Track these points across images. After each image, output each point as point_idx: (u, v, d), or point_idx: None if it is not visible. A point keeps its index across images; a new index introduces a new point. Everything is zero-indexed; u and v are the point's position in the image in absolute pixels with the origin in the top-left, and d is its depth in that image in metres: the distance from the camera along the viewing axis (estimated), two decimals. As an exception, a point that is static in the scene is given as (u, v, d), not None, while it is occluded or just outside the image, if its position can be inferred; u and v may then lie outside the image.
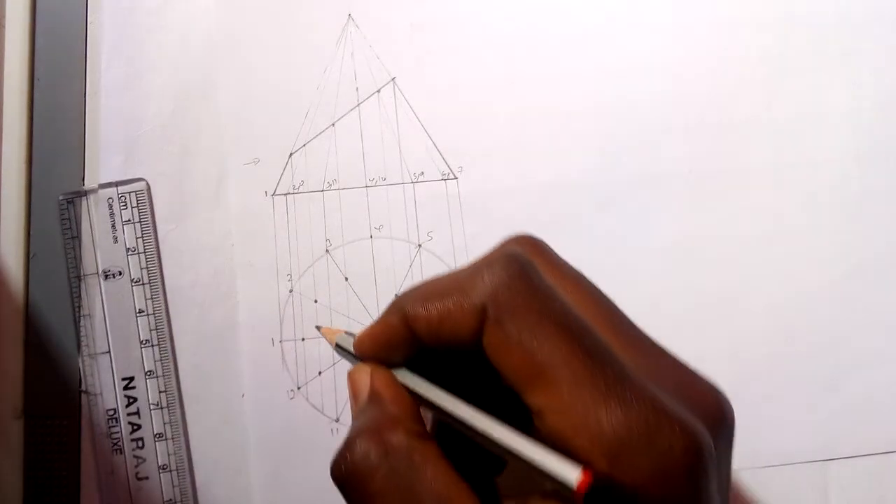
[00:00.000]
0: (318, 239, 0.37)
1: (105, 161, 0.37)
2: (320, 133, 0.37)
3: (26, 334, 0.36)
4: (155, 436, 0.36)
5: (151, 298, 0.36)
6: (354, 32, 0.38)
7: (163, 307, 0.36)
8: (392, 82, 0.38)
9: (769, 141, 0.37)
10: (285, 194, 0.37)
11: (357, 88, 0.38)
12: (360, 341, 0.25)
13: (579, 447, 0.20)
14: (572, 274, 0.24)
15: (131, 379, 0.36)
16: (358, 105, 0.38)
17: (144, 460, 0.36)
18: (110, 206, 0.37)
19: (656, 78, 0.37)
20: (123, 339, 0.36)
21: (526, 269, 0.22)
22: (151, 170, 0.37)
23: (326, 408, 0.36)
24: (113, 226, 0.37)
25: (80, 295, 0.36)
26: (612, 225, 0.36)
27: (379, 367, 0.25)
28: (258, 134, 0.37)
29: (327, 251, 0.37)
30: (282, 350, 0.36)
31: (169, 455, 0.36)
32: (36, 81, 0.38)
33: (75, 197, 0.37)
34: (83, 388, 0.36)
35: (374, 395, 0.24)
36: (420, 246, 0.37)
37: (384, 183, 0.37)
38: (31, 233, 0.37)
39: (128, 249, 0.37)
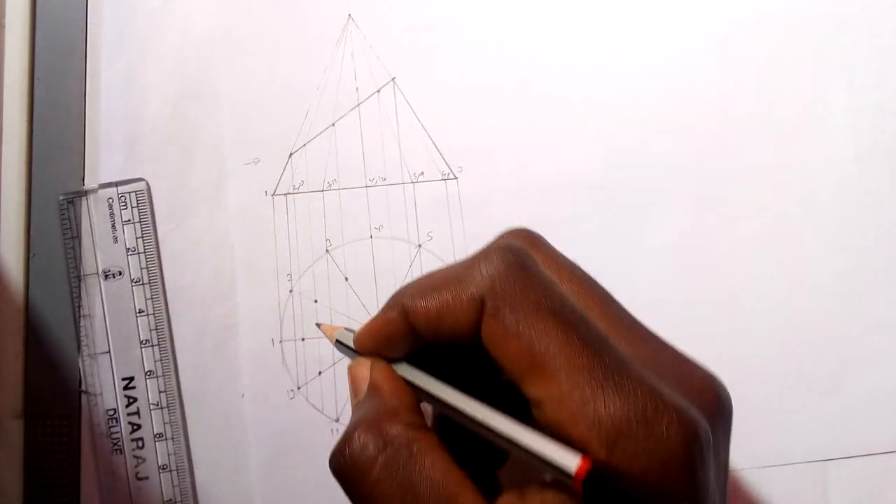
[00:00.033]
0: (318, 239, 0.37)
1: (105, 161, 0.37)
2: (320, 133, 0.37)
3: (26, 334, 0.36)
4: (155, 436, 0.36)
5: (151, 298, 0.36)
6: (354, 32, 0.38)
7: (163, 307, 0.36)
8: (392, 82, 0.38)
9: (769, 141, 0.37)
10: (285, 194, 0.37)
11: (357, 88, 0.38)
12: (360, 336, 0.25)
13: (578, 436, 0.20)
14: (568, 265, 0.24)
15: (131, 379, 0.36)
16: (358, 105, 0.38)
17: (144, 460, 0.36)
18: (110, 206, 0.37)
19: (656, 78, 0.37)
20: (123, 339, 0.36)
21: (523, 261, 0.22)
22: (151, 170, 0.37)
23: (326, 408, 0.36)
24: (113, 226, 0.37)
25: (80, 295, 0.36)
26: (612, 225, 0.36)
27: (378, 360, 0.25)
28: (258, 134, 0.37)
29: (327, 251, 0.37)
30: (282, 350, 0.36)
31: (169, 455, 0.36)
32: (36, 81, 0.38)
33: (75, 197, 0.37)
34: (83, 388, 0.36)
35: (373, 388, 0.24)
36: (420, 246, 0.37)
37: (384, 183, 0.37)
38: (31, 233, 0.37)
39: (128, 249, 0.37)
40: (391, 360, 0.25)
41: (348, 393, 0.26)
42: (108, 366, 0.36)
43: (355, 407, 0.25)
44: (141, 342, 0.36)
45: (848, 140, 0.37)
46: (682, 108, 0.37)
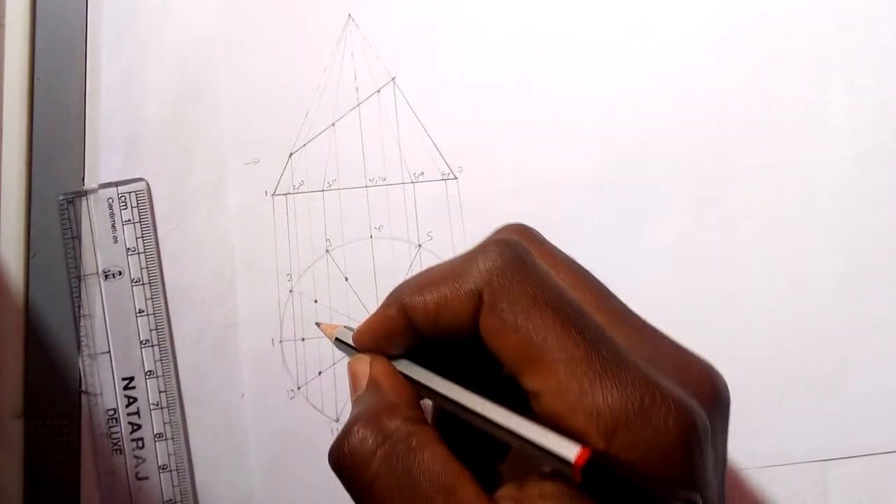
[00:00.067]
0: (318, 239, 0.37)
1: (105, 161, 0.37)
2: (320, 133, 0.37)
3: (26, 334, 0.36)
4: (155, 436, 0.36)
5: (151, 298, 0.36)
6: (354, 32, 0.38)
7: (163, 307, 0.36)
8: (392, 82, 0.38)
9: (769, 141, 0.37)
10: (285, 194, 0.37)
11: (357, 88, 0.38)
12: (360, 333, 0.25)
13: (577, 426, 0.20)
14: (564, 259, 0.24)
15: (131, 379, 0.36)
16: (358, 105, 0.38)
17: (144, 460, 0.36)
18: (110, 206, 0.37)
19: (656, 78, 0.37)
20: (123, 339, 0.36)
21: (520, 255, 0.23)
22: (151, 170, 0.37)
23: (326, 408, 0.36)
24: (113, 226, 0.37)
25: (80, 295, 0.36)
26: (612, 225, 0.36)
27: (378, 356, 0.25)
28: (258, 134, 0.37)
29: (327, 251, 0.37)
30: (282, 350, 0.36)
31: (169, 455, 0.36)
32: (36, 81, 0.38)
33: (75, 197, 0.37)
34: (83, 388, 0.36)
35: (372, 384, 0.24)
36: (420, 246, 0.37)
37: (384, 183, 0.37)
38: (31, 233, 0.37)
39: (128, 249, 0.37)
40: (391, 357, 0.25)
41: (348, 390, 0.26)
42: (108, 366, 0.36)
43: (355, 402, 0.25)
44: (141, 342, 0.36)
45: (848, 140, 0.37)
46: (682, 108, 0.37)
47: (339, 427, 0.36)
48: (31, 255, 0.37)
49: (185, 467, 0.36)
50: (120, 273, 0.36)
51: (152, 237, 0.37)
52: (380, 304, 0.25)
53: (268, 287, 0.37)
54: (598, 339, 0.21)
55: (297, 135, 0.37)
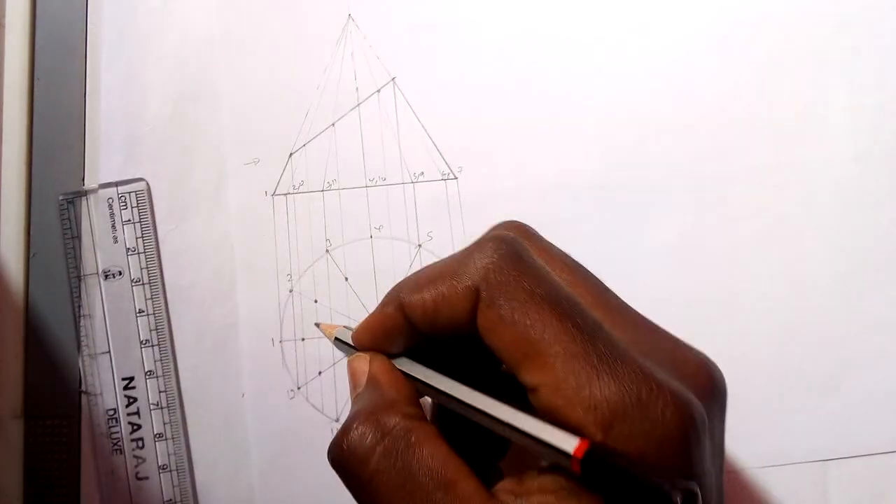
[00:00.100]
0: (318, 239, 0.37)
1: (105, 161, 0.37)
2: (320, 133, 0.37)
3: (26, 334, 0.36)
4: (155, 436, 0.36)
5: (151, 298, 0.36)
6: (354, 32, 0.38)
7: (163, 307, 0.36)
8: (392, 82, 0.38)
9: (769, 141, 0.37)
10: (285, 194, 0.37)
11: (357, 88, 0.38)
12: (359, 332, 0.26)
13: (575, 420, 0.20)
14: (560, 255, 0.25)
15: (131, 379, 0.36)
16: (358, 105, 0.38)
17: (144, 460, 0.36)
18: (110, 206, 0.37)
19: (656, 78, 0.37)
20: (123, 339, 0.36)
21: (516, 250, 0.23)
22: (151, 170, 0.37)
23: (326, 408, 0.36)
24: (113, 226, 0.37)
25: (80, 295, 0.36)
26: (612, 225, 0.36)
27: (377, 354, 0.25)
28: (258, 134, 0.37)
29: (327, 251, 0.37)
30: (282, 350, 0.36)
31: (169, 455, 0.36)
32: (36, 81, 0.38)
33: (75, 197, 0.37)
34: (83, 388, 0.36)
35: (371, 381, 0.24)
36: (420, 246, 0.37)
37: (384, 183, 0.37)
38: (31, 233, 0.37)
39: (128, 249, 0.37)
40: (390, 356, 0.25)
41: (348, 389, 0.26)
42: (108, 366, 0.36)
43: (354, 400, 0.25)
44: (141, 342, 0.36)
45: (848, 140, 0.37)
46: (682, 108, 0.37)
47: (340, 427, 0.36)
48: (31, 255, 0.37)
49: (185, 467, 0.36)
50: (120, 273, 0.36)
51: (152, 237, 0.37)
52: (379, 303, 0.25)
53: (268, 287, 0.37)
54: (594, 333, 0.21)
55: (297, 135, 0.37)
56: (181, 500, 0.35)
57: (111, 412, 0.36)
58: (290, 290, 0.37)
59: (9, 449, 0.36)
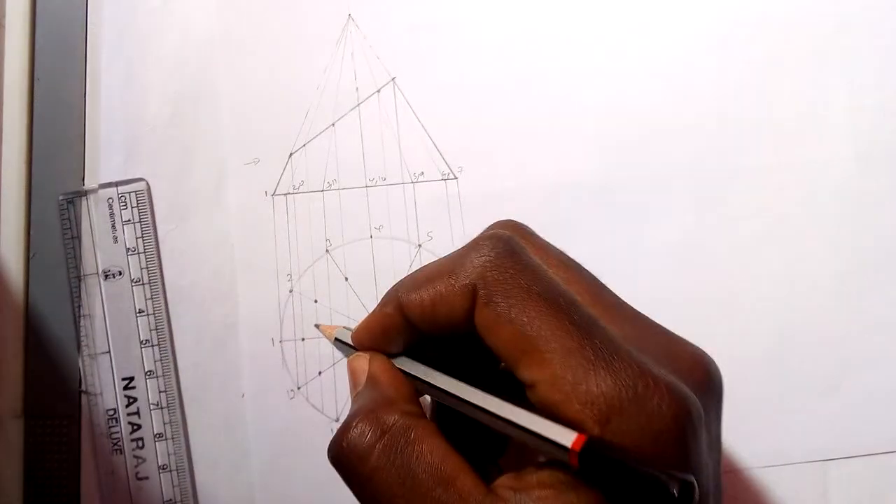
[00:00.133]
0: (318, 239, 0.37)
1: (105, 161, 0.37)
2: (320, 133, 0.37)
3: (26, 334, 0.36)
4: (155, 436, 0.36)
5: (151, 298, 0.36)
6: (354, 32, 0.38)
7: (163, 307, 0.36)
8: (392, 82, 0.38)
9: (769, 141, 0.37)
10: (285, 194, 0.37)
11: (357, 88, 0.38)
12: (358, 332, 0.26)
13: (572, 415, 0.20)
14: (557, 254, 0.25)
15: (131, 379, 0.36)
16: (358, 105, 0.38)
17: (144, 460, 0.36)
18: (110, 206, 0.37)
19: (656, 78, 0.37)
20: (123, 339, 0.36)
21: (513, 248, 0.23)
22: (151, 170, 0.37)
23: (326, 408, 0.36)
24: (113, 226, 0.37)
25: (80, 295, 0.36)
26: (612, 225, 0.36)
27: (377, 353, 0.25)
28: (258, 134, 0.37)
29: (327, 251, 0.37)
30: (282, 350, 0.36)
31: (169, 455, 0.36)
32: (36, 81, 0.38)
33: (75, 197, 0.37)
34: (83, 388, 0.36)
35: (371, 380, 0.25)
36: (420, 246, 0.37)
37: (384, 183, 0.37)
38: (31, 233, 0.37)
39: (128, 249, 0.37)
40: (389, 355, 0.25)
41: (348, 389, 0.26)
42: (108, 366, 0.36)
43: (354, 398, 0.25)
44: (141, 342, 0.36)
45: (848, 140, 0.37)
46: (682, 108, 0.37)
47: (339, 427, 0.36)
48: (31, 255, 0.37)
49: (185, 467, 0.36)
50: (120, 273, 0.36)
51: (152, 237, 0.37)
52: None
53: (268, 287, 0.37)
54: (591, 329, 0.21)
55: (297, 135, 0.37)
56: (181, 500, 0.35)
57: (111, 412, 0.36)
58: (290, 290, 0.37)
59: (9, 449, 0.36)
